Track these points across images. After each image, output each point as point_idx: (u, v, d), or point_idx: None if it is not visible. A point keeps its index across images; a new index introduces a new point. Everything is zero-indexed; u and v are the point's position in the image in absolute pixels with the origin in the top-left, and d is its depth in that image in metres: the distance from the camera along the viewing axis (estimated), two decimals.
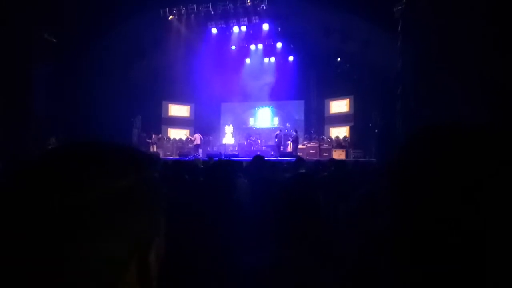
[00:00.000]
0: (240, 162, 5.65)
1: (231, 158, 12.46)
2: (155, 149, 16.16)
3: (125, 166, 0.48)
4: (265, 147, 17.29)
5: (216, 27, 16.89)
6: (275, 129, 19.10)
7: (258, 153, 16.11)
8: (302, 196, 2.02)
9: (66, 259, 0.39)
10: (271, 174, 4.19)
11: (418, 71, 10.57)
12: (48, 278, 0.38)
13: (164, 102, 19.24)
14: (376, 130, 12.90)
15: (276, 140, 15.62)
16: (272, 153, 16.09)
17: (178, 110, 19.85)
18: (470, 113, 8.51)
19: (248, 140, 17.65)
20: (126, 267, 0.43)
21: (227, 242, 1.87)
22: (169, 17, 15.44)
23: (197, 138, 15.91)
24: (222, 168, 2.95)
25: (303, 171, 5.07)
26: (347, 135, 16.00)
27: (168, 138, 18.03)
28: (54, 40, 13.22)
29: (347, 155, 14.43)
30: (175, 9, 15.40)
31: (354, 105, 16.64)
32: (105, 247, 0.41)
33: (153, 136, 16.66)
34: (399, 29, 10.54)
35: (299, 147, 15.68)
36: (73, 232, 0.40)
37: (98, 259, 0.40)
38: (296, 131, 15.53)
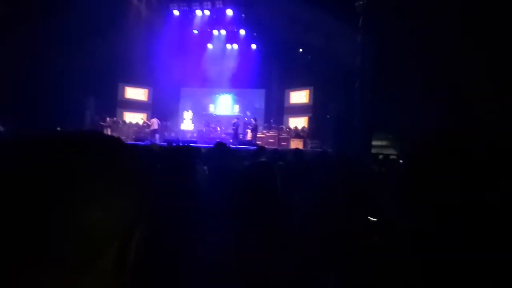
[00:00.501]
0: (199, 148, 5.56)
1: (189, 144, 12.26)
2: (109, 133, 15.51)
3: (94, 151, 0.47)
4: (224, 135, 17.17)
5: (178, 10, 16.41)
6: (234, 117, 19.05)
7: (217, 140, 15.99)
8: (262, 184, 2.01)
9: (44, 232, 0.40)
10: (231, 162, 4.16)
11: (376, 66, 10.93)
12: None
13: (120, 84, 18.41)
14: (331, 121, 13.29)
15: (233, 128, 15.56)
16: (231, 140, 16.03)
17: (135, 93, 19.10)
18: (427, 109, 8.94)
19: (207, 127, 17.43)
20: (103, 249, 0.44)
21: (187, 227, 1.82)
22: None
23: (154, 123, 15.45)
24: (181, 154, 2.87)
25: (264, 159, 5.10)
26: (306, 126, 16.30)
27: (124, 122, 17.35)
28: (2, 15, 12.16)
29: (304, 145, 14.70)
30: None
31: (314, 96, 16.95)
32: (84, 227, 0.42)
33: (107, 119, 15.97)
34: (360, 24, 10.80)
35: (258, 135, 15.75)
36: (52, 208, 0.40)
37: (76, 236, 0.41)
38: (255, 120, 15.56)
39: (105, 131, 15.22)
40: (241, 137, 16.25)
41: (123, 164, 0.49)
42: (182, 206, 2.09)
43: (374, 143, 11.71)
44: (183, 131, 18.28)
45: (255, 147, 11.18)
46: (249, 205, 1.73)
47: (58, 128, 13.31)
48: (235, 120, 15.73)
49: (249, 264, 1.40)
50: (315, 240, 1.93)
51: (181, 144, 11.20)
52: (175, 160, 2.85)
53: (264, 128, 17.06)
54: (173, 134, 17.45)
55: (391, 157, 9.18)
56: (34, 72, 12.96)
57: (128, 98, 18.84)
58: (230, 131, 17.38)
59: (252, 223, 1.55)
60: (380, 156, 9.34)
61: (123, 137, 15.52)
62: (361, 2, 10.79)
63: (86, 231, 0.42)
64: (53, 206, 0.40)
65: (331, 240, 1.99)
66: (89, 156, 0.45)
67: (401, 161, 9.70)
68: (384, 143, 11.99)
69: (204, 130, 17.22)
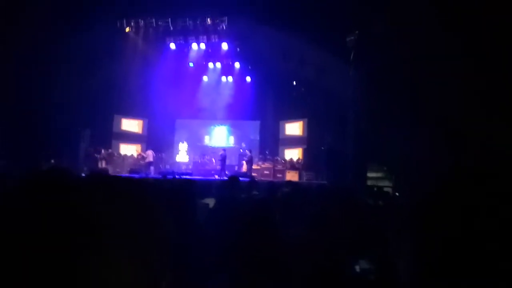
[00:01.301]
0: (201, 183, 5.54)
1: (184, 176, 12.20)
2: (103, 165, 15.40)
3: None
4: (219, 167, 17.13)
5: (174, 43, 16.78)
6: (221, 148, 19.07)
7: (212, 172, 15.96)
8: (260, 221, 2.00)
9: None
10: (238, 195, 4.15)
11: (369, 98, 11.15)
12: None
13: (116, 116, 18.45)
14: (325, 153, 13.37)
15: (220, 159, 15.41)
16: (227, 172, 15.97)
17: (130, 124, 19.10)
18: (420, 140, 9.04)
19: (202, 159, 17.43)
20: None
21: (189, 267, 1.79)
22: (126, 28, 15.09)
23: (150, 155, 15.39)
24: (185, 190, 2.85)
25: (256, 193, 5.07)
26: (300, 157, 16.35)
27: (119, 154, 17.28)
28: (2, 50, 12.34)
29: (300, 177, 14.69)
30: (132, 21, 15.10)
31: (308, 128, 17.12)
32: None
33: (102, 151, 15.89)
34: (351, 58, 11.12)
35: (253, 167, 15.72)
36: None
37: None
38: (250, 151, 15.58)
39: (99, 164, 15.13)
40: (236, 169, 16.22)
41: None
42: (184, 243, 2.05)
43: (369, 174, 11.73)
44: (178, 162, 18.21)
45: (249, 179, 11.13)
46: (248, 243, 1.71)
47: (52, 161, 13.24)
48: (222, 151, 15.64)
49: None
50: (313, 278, 1.90)
51: (176, 176, 11.15)
52: (179, 196, 2.83)
53: (260, 159, 17.07)
54: (168, 166, 17.37)
55: (385, 189, 9.18)
56: (29, 104, 12.99)
57: (123, 130, 18.83)
58: (227, 163, 17.38)
59: (252, 261, 1.53)
60: (375, 189, 9.33)
61: (117, 170, 15.45)
62: (352, 37, 11.16)
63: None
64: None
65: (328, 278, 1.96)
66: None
67: (396, 193, 9.70)
68: (379, 174, 12.01)
69: (199, 162, 17.19)
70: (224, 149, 16.03)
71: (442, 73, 8.61)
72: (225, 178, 14.17)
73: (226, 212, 2.92)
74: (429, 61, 8.84)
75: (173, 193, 3.27)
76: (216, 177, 14.10)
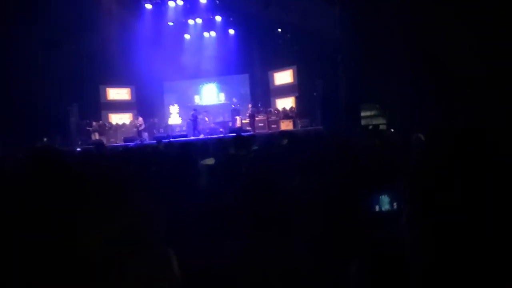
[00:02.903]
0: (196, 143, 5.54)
1: (180, 139, 12.21)
2: (97, 137, 15.32)
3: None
4: (213, 125, 17.11)
5: (150, 3, 16.00)
6: (221, 105, 18.92)
7: (207, 130, 15.96)
8: (263, 176, 2.01)
9: None
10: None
11: (356, 38, 10.90)
12: None
13: (101, 86, 18.03)
14: (319, 98, 13.30)
15: (191, 119, 15.57)
16: (221, 129, 15.99)
17: (117, 93, 18.75)
18: (409, 78, 9.00)
19: (196, 119, 17.30)
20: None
21: (196, 230, 1.83)
22: None
23: (141, 121, 15.42)
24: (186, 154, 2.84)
25: (256, 147, 5.09)
26: (293, 106, 16.29)
27: (110, 124, 17.12)
28: None
29: (294, 125, 14.74)
30: None
31: (298, 75, 16.88)
32: None
33: (93, 123, 15.74)
34: None
35: (244, 121, 15.76)
36: None
37: None
38: (257, 105, 15.41)
39: (92, 136, 15.05)
40: (230, 125, 16.21)
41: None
42: (188, 209, 2.08)
43: (363, 113, 11.78)
44: (171, 125, 18.12)
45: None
46: (254, 200, 1.72)
47: (45, 139, 13.14)
48: (192, 111, 15.69)
49: (264, 261, 1.42)
50: (325, 227, 1.95)
51: (171, 139, 11.15)
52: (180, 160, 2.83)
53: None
54: (161, 130, 17.30)
55: (381, 126, 9.27)
56: (13, 85, 12.66)
57: (111, 100, 18.50)
58: (220, 119, 17.33)
59: (259, 220, 1.56)
60: (370, 127, 9.43)
61: (111, 140, 15.40)
62: None
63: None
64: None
65: (340, 224, 2.01)
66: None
67: (392, 130, 9.80)
68: (372, 113, 12.06)
69: (191, 122, 17.11)
70: (195, 109, 15.93)
71: (433, 7, 8.36)
72: (200, 136, 14.47)
73: (228, 171, 2.94)
74: None
75: (172, 159, 3.28)
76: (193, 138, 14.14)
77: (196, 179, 2.55)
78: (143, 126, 15.35)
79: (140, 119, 15.50)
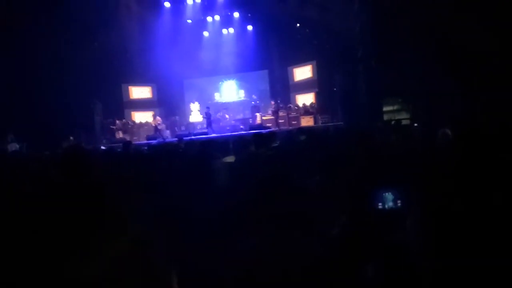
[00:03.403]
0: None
1: (201, 136, 12.34)
2: (121, 135, 15.68)
3: None
4: (234, 121, 17.19)
5: (168, 1, 16.17)
6: (241, 101, 18.96)
7: (228, 127, 16.05)
8: (278, 176, 2.01)
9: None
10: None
11: (376, 32, 10.69)
12: None
13: (123, 85, 18.43)
14: (338, 94, 13.15)
15: (205, 117, 15.54)
16: (241, 126, 16.05)
17: (140, 92, 19.11)
18: (429, 72, 8.78)
19: (216, 116, 17.44)
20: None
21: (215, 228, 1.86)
22: None
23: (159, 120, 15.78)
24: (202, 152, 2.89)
25: (276, 144, 5.09)
26: (314, 101, 16.16)
27: (133, 122, 17.48)
28: None
29: (315, 121, 14.63)
30: None
31: (317, 70, 16.71)
32: None
33: (117, 121, 16.11)
34: None
35: (265, 117, 15.73)
36: None
37: None
38: (277, 101, 15.35)
39: (116, 134, 15.40)
40: (250, 122, 16.25)
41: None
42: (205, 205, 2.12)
43: (385, 108, 11.57)
44: (192, 123, 18.32)
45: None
46: (274, 198, 1.73)
47: (71, 138, 13.55)
48: (206, 109, 15.70)
49: (278, 260, 1.43)
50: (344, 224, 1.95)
51: (192, 137, 11.28)
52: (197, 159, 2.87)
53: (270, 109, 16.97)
54: (183, 128, 17.52)
55: (403, 122, 9.09)
56: (37, 85, 13.07)
57: (133, 98, 18.89)
58: (240, 117, 17.36)
59: (279, 219, 1.57)
60: (392, 122, 9.25)
61: (134, 138, 15.72)
62: None
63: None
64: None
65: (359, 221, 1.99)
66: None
67: (415, 124, 9.60)
68: (395, 107, 11.82)
69: (212, 119, 17.25)
70: (207, 107, 16.01)
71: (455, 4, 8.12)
72: (214, 134, 14.56)
73: (247, 169, 2.96)
74: None
75: (193, 157, 3.33)
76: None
77: (216, 176, 2.59)
78: (161, 125, 15.63)
79: (158, 118, 15.78)
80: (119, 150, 6.52)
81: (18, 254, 0.41)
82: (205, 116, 15.73)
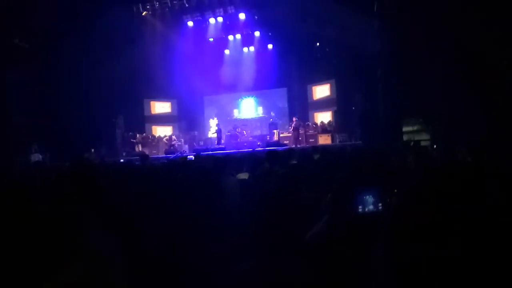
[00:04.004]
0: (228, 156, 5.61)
1: (217, 152, 12.42)
2: (140, 148, 15.98)
3: None
4: (251, 138, 17.26)
5: (192, 20, 16.62)
6: (259, 118, 19.07)
7: (245, 143, 16.12)
8: (285, 198, 1.99)
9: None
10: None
11: (396, 51, 10.64)
12: None
13: (145, 100, 18.93)
14: (357, 113, 13.05)
15: (217, 132, 16.06)
16: (259, 143, 16.08)
17: (161, 107, 19.57)
18: (450, 92, 8.63)
19: (234, 132, 17.57)
20: None
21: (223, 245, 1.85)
22: (142, 13, 15.09)
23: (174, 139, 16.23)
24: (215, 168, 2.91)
25: (294, 162, 5.06)
26: (332, 120, 16.08)
27: (153, 137, 17.82)
28: (26, 46, 12.82)
29: (333, 140, 14.53)
30: (148, 4, 15.04)
31: (336, 89, 16.70)
32: None
33: (137, 135, 16.46)
34: (374, 10, 10.55)
35: (283, 135, 15.70)
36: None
37: None
38: (297, 119, 15.38)
39: (136, 148, 15.70)
40: (268, 138, 16.27)
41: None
42: (213, 223, 2.11)
43: (405, 129, 11.39)
44: (210, 138, 18.51)
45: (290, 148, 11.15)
46: (272, 222, 1.70)
47: (92, 150, 13.88)
48: (217, 125, 16.29)
49: (278, 283, 1.41)
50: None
51: (210, 152, 11.35)
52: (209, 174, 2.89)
53: (290, 126, 16.96)
54: (201, 143, 17.72)
55: (423, 143, 8.91)
56: (63, 98, 13.55)
57: (155, 113, 19.34)
58: (257, 133, 17.42)
59: (279, 240, 1.55)
60: (411, 143, 9.08)
61: (153, 151, 15.97)
62: None
63: None
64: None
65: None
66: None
67: (434, 146, 9.38)
68: (415, 128, 11.62)
69: (230, 135, 17.40)
70: (217, 124, 16.52)
71: (476, 18, 8.03)
72: (222, 146, 14.83)
73: (260, 187, 2.95)
74: (460, 6, 8.25)
75: (207, 172, 3.35)
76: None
77: (227, 194, 2.59)
78: (178, 142, 16.03)
79: (174, 137, 16.15)
80: (137, 163, 6.63)
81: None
82: (216, 131, 16.01)
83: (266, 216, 1.71)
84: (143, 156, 7.68)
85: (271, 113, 18.39)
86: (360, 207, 1.58)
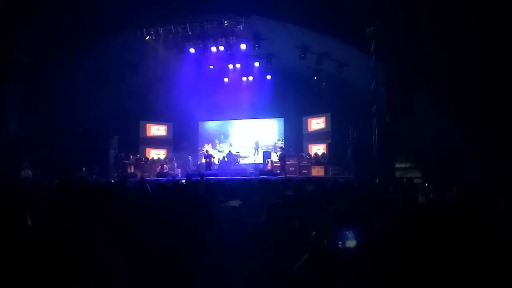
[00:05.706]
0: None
1: (210, 177, 12.36)
2: (132, 170, 15.85)
3: None
4: (244, 166, 17.26)
5: (194, 47, 16.94)
6: (253, 147, 19.15)
7: (238, 171, 16.10)
8: (277, 232, 1.99)
9: None
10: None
11: (391, 89, 10.90)
12: None
13: (141, 122, 19.01)
14: (350, 147, 13.19)
15: (206, 159, 16.21)
16: (252, 171, 16.08)
17: (156, 129, 19.63)
18: (443, 129, 8.79)
19: (228, 158, 17.60)
20: None
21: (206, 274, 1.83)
22: (146, 37, 15.37)
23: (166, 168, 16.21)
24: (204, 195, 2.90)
25: (290, 193, 5.05)
26: (325, 152, 16.19)
27: (146, 159, 17.73)
28: (28, 61, 12.94)
29: (326, 172, 14.57)
30: (152, 29, 15.35)
31: (331, 122, 16.94)
32: None
33: (131, 156, 16.36)
34: (371, 49, 10.87)
35: (275, 164, 15.74)
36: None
37: None
38: (282, 148, 15.47)
39: (128, 169, 15.57)
40: (261, 167, 16.28)
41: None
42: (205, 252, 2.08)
43: (397, 165, 11.47)
44: (203, 163, 18.46)
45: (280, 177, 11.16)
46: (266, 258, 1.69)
47: (84, 169, 13.75)
48: (206, 152, 16.54)
49: None
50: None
51: (203, 178, 11.28)
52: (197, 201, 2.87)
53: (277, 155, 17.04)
54: (194, 168, 17.65)
55: (415, 180, 8.96)
56: (64, 115, 13.56)
57: (150, 135, 19.36)
58: (251, 162, 17.38)
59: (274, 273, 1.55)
60: (404, 180, 9.13)
61: (146, 174, 15.85)
62: (371, 28, 10.91)
63: None
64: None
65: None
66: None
67: (426, 184, 9.45)
68: (407, 165, 11.72)
69: (225, 161, 17.39)
70: (207, 151, 16.96)
71: (467, 59, 8.33)
72: (214, 172, 14.88)
73: (250, 216, 2.94)
74: (453, 48, 8.57)
75: (196, 198, 3.33)
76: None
77: (216, 221, 2.57)
78: (167, 171, 16.06)
79: (165, 166, 16.30)
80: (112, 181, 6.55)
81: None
82: (205, 156, 16.05)
83: (256, 248, 1.71)
84: (123, 178, 7.59)
85: (279, 141, 18.62)
86: (341, 242, 1.63)
